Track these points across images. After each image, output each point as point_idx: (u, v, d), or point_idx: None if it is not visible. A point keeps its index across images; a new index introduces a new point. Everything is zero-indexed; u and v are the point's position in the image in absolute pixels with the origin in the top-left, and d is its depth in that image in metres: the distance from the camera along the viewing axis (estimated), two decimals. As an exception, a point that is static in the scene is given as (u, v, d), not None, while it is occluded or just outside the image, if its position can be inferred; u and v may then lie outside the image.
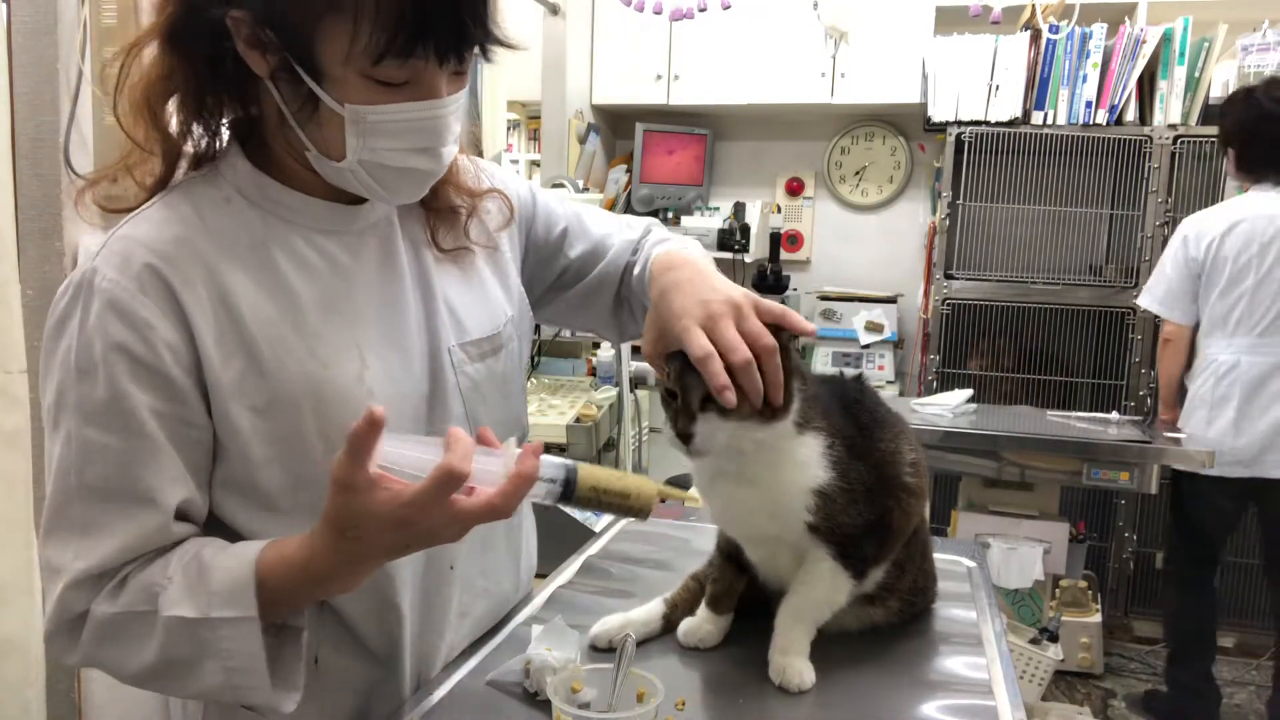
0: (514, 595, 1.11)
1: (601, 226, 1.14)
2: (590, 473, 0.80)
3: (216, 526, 0.87)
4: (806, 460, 0.89)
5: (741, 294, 0.88)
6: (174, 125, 0.87)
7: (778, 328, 0.86)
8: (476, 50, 0.82)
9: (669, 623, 1.02)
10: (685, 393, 0.85)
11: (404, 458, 0.74)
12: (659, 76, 3.94)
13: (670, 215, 4.06)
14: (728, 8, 3.03)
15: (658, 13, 3.03)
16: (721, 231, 3.82)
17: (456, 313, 0.97)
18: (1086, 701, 3.00)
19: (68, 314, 0.82)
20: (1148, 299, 2.87)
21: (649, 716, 0.76)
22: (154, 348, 0.80)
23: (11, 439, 1.53)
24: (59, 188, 1.70)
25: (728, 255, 3.78)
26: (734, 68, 3.83)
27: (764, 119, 4.16)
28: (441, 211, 0.99)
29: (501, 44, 0.83)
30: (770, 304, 0.88)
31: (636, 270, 1.08)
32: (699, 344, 0.82)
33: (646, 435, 3.52)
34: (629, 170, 4.12)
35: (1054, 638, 2.65)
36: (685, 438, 0.85)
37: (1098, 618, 3.13)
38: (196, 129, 0.88)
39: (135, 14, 1.70)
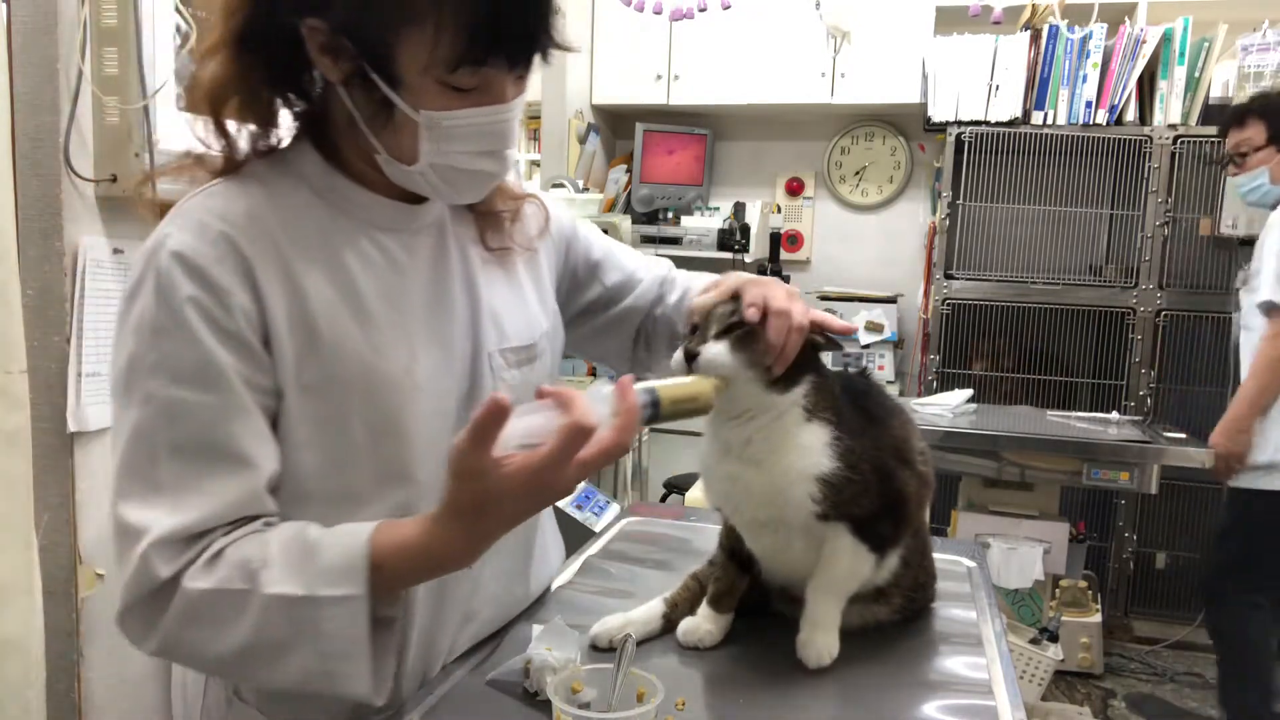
0: (524, 601, 1.11)
1: (632, 260, 1.20)
2: (665, 390, 0.83)
3: None
4: (811, 446, 0.91)
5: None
6: (235, 125, 0.89)
7: (815, 329, 0.92)
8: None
9: (669, 622, 1.03)
10: (706, 322, 0.91)
11: (515, 431, 0.73)
12: (659, 76, 3.94)
13: (670, 215, 4.06)
14: (728, 8, 3.03)
15: (658, 13, 3.03)
16: (721, 231, 3.82)
17: (499, 318, 0.99)
18: (1086, 701, 3.00)
19: (142, 279, 0.82)
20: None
21: (649, 716, 0.76)
22: (231, 312, 0.81)
23: (11, 439, 1.53)
24: (59, 188, 1.70)
25: (728, 255, 3.78)
26: (734, 68, 3.83)
27: (764, 119, 4.16)
28: (489, 214, 1.02)
29: (561, 47, 0.85)
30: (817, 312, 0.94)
31: (673, 298, 1.16)
32: (753, 293, 0.90)
33: (646, 435, 3.52)
34: (629, 170, 4.12)
35: (1054, 638, 2.65)
36: (690, 356, 0.89)
37: (1098, 618, 3.13)
38: (257, 129, 0.89)
39: (136, 14, 1.70)
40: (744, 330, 0.89)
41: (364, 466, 0.88)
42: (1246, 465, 2.51)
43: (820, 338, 0.93)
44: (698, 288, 1.08)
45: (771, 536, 0.96)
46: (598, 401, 0.76)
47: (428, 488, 0.90)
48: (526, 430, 0.73)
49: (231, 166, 0.90)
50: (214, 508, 0.79)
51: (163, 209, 0.88)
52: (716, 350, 0.88)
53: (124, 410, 0.81)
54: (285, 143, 0.93)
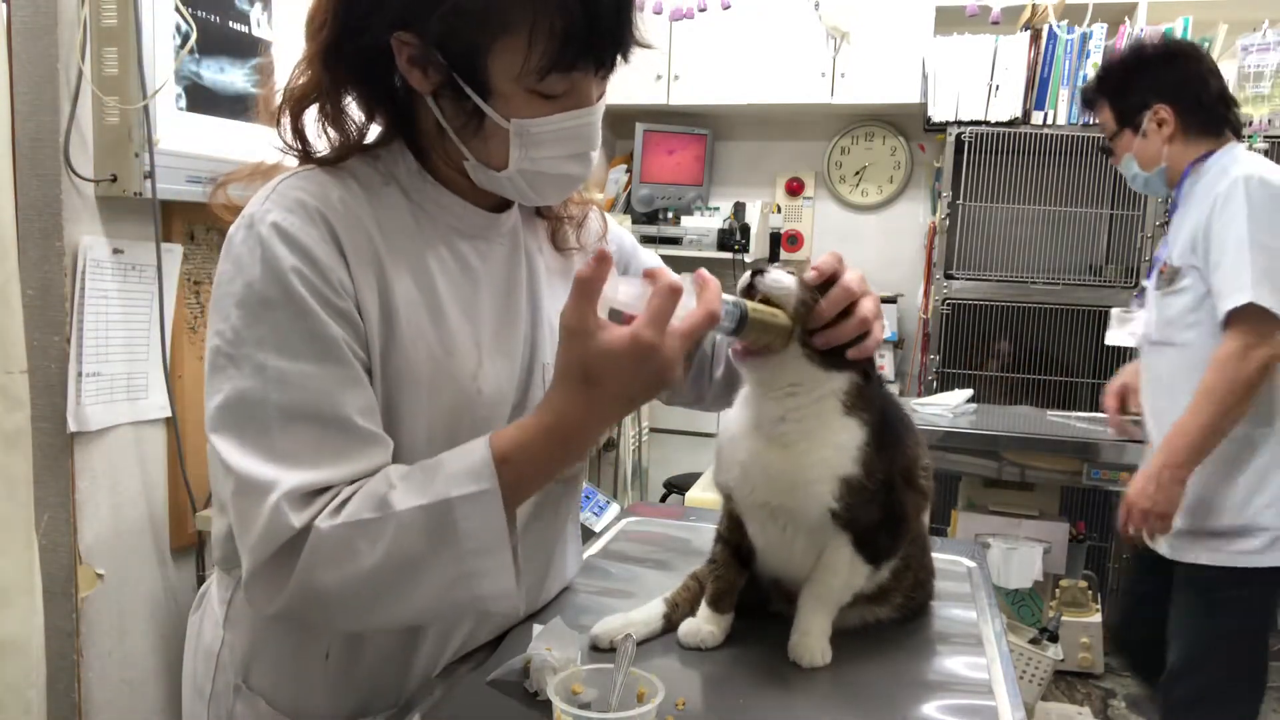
0: (535, 605, 1.10)
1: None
2: (751, 306, 0.84)
3: None
4: (843, 445, 0.91)
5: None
6: (315, 133, 0.90)
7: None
8: None
9: (670, 622, 1.03)
10: (755, 278, 0.89)
11: (620, 294, 0.76)
12: (659, 76, 3.94)
13: (670, 215, 4.06)
14: (728, 8, 3.04)
15: (658, 13, 3.03)
16: (721, 231, 3.83)
17: (557, 331, 0.98)
18: (1086, 701, 3.00)
19: (242, 252, 0.81)
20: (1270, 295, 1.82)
21: (649, 716, 0.76)
22: (335, 288, 0.81)
23: (12, 439, 1.53)
24: (59, 188, 1.70)
25: (728, 255, 3.78)
26: (734, 68, 3.83)
27: (764, 119, 4.16)
28: (560, 218, 1.04)
29: (642, 45, 0.87)
30: None
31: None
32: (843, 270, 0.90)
33: (646, 435, 3.52)
34: (629, 170, 4.12)
35: (1054, 638, 2.65)
36: (757, 272, 0.89)
37: (1098, 618, 3.13)
38: (334, 134, 0.90)
39: (136, 14, 1.70)
40: (814, 281, 0.89)
41: (411, 457, 0.87)
42: (1171, 528, 1.93)
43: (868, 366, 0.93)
44: None
45: (776, 526, 0.96)
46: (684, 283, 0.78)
47: None
48: (625, 294, 0.76)
49: (313, 163, 0.90)
50: (338, 473, 0.78)
51: (235, 212, 0.88)
52: (780, 274, 0.88)
53: (227, 381, 0.79)
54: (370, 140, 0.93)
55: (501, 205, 0.97)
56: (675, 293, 0.75)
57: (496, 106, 0.83)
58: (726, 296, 0.82)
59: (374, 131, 0.93)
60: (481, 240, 0.95)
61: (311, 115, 0.89)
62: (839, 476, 0.90)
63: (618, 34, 0.83)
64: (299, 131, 0.89)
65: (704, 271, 0.79)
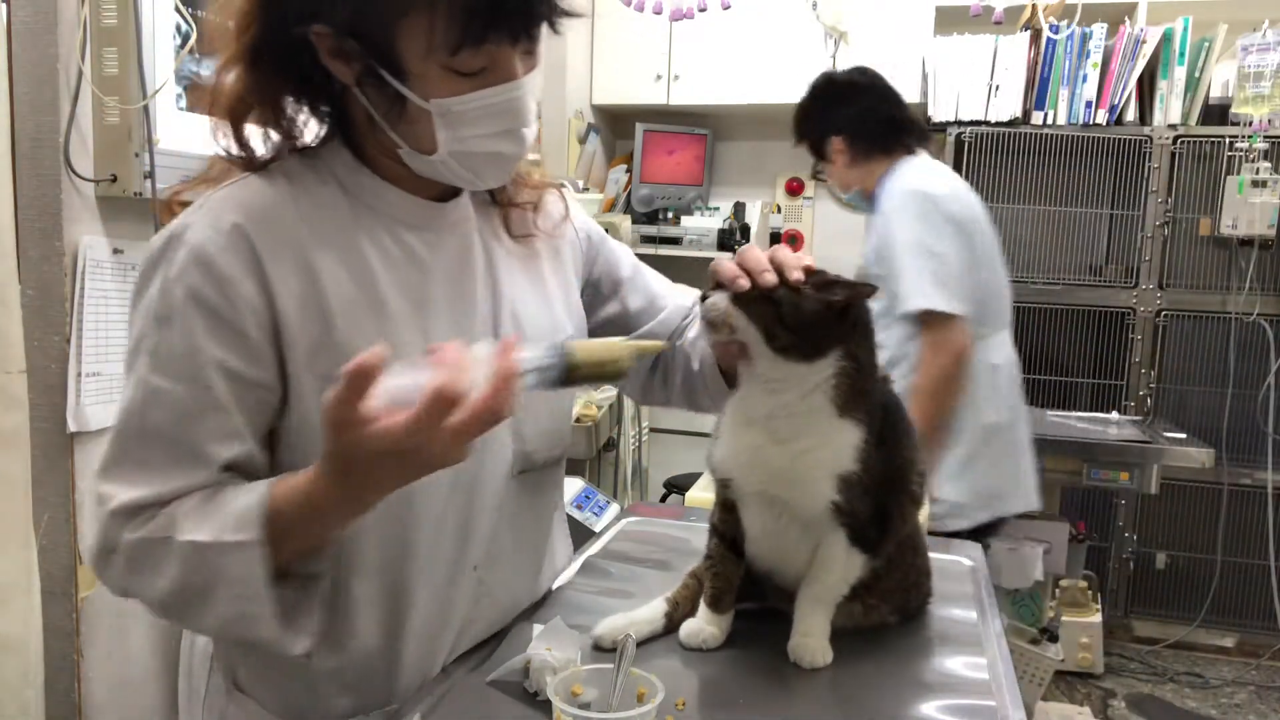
0: (529, 604, 1.10)
1: (658, 285, 1.19)
2: (579, 347, 0.82)
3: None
4: (841, 447, 0.91)
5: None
6: (255, 137, 0.91)
7: (835, 285, 0.89)
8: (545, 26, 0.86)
9: (671, 622, 1.02)
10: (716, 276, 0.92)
11: (400, 388, 0.72)
12: (659, 76, 3.93)
13: (670, 215, 4.06)
14: (728, 8, 3.03)
15: (658, 13, 3.03)
16: (721, 231, 3.82)
17: (520, 319, 1.00)
18: (1086, 701, 3.00)
19: (155, 263, 0.85)
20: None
21: (649, 716, 0.76)
22: (234, 303, 0.83)
23: (11, 439, 1.53)
24: (59, 188, 1.70)
25: (728, 255, 3.77)
26: (734, 68, 3.83)
27: (764, 119, 4.16)
28: (512, 206, 1.04)
29: (566, 13, 0.86)
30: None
31: (694, 331, 1.13)
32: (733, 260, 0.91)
33: (646, 435, 3.52)
34: (629, 170, 4.12)
35: (1054, 638, 2.65)
36: (702, 298, 0.91)
37: (1098, 618, 3.13)
38: (276, 137, 0.91)
39: (136, 14, 1.70)
40: (751, 289, 0.89)
41: None
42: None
43: (840, 292, 0.89)
44: None
45: (771, 513, 0.96)
46: (479, 363, 0.74)
47: (427, 481, 0.90)
48: (398, 389, 0.71)
49: (259, 167, 0.91)
50: (165, 490, 0.82)
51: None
52: (719, 297, 0.89)
53: (125, 386, 0.85)
54: (313, 140, 0.94)
55: (448, 195, 0.96)
56: (448, 400, 0.70)
57: (415, 88, 0.83)
58: (539, 355, 0.79)
59: (317, 131, 0.94)
60: (429, 231, 0.94)
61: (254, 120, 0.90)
62: (838, 474, 0.91)
63: (526, 5, 0.82)
64: (240, 135, 0.90)
65: (508, 342, 0.75)
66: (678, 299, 1.19)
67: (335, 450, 0.74)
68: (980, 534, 2.12)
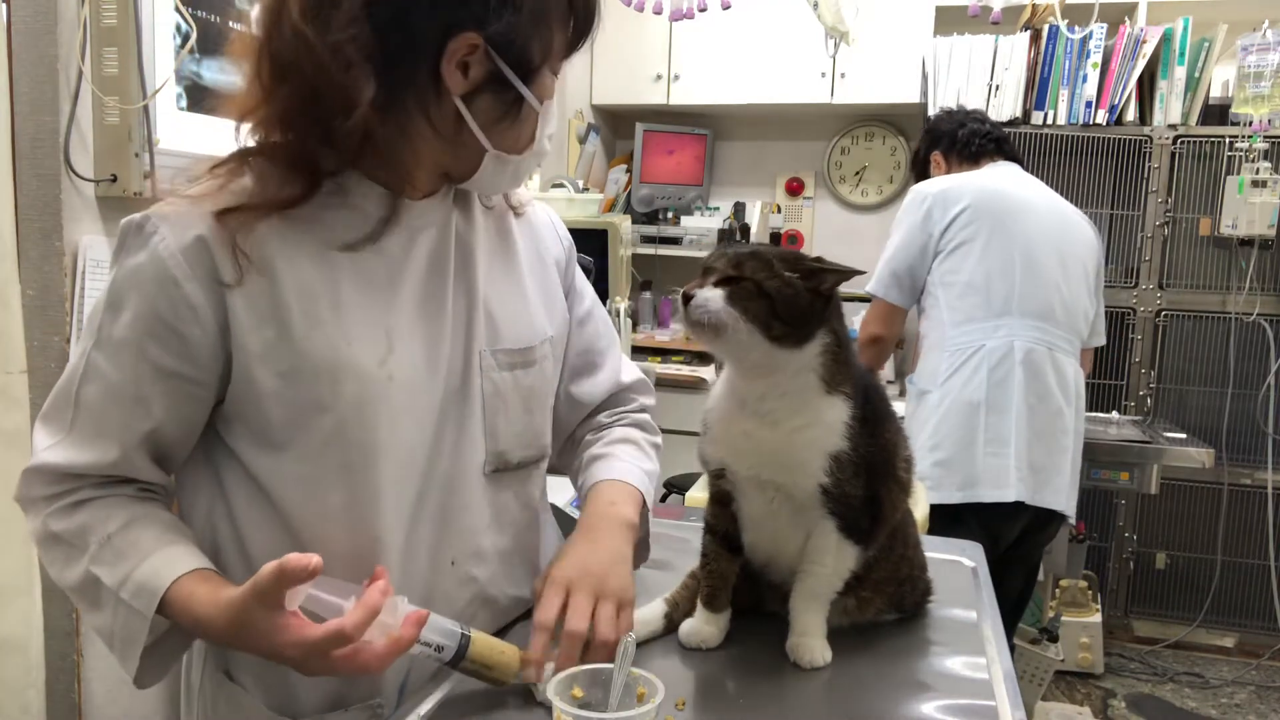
0: (524, 604, 1.09)
1: (603, 344, 1.18)
2: (480, 639, 0.88)
3: (226, 457, 0.93)
4: (832, 424, 0.92)
5: (619, 584, 0.95)
6: (240, 129, 0.92)
7: (823, 273, 0.90)
8: None
9: (670, 622, 1.03)
10: (707, 272, 0.92)
11: (319, 601, 0.80)
12: (659, 76, 3.93)
13: (670, 215, 4.06)
14: (728, 8, 3.03)
15: (658, 13, 3.03)
16: (721, 231, 3.82)
17: (495, 319, 1.00)
18: (1086, 701, 3.00)
19: (124, 246, 0.88)
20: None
21: (649, 716, 0.76)
22: (176, 306, 0.86)
23: (11, 439, 1.53)
24: (59, 188, 1.70)
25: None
26: (734, 68, 3.83)
27: (764, 119, 4.16)
28: (496, 211, 1.07)
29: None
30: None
31: (586, 454, 1.14)
32: (546, 607, 0.91)
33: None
34: (629, 170, 4.12)
35: (1054, 638, 2.65)
36: (686, 298, 0.90)
37: (1098, 618, 3.13)
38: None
39: (136, 14, 1.70)
40: (742, 284, 0.88)
41: (330, 456, 0.89)
42: None
43: (827, 273, 0.90)
44: (620, 453, 1.12)
45: (764, 498, 0.96)
46: (390, 617, 0.81)
47: (389, 480, 0.91)
48: (317, 600, 0.80)
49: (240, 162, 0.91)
50: (84, 462, 0.89)
51: None
52: (711, 299, 0.88)
53: (75, 347, 0.92)
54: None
55: (427, 196, 0.96)
56: (342, 640, 0.78)
57: (535, 91, 0.91)
58: (442, 634, 0.85)
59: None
60: (404, 229, 0.94)
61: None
62: (829, 453, 0.91)
63: (593, 17, 0.94)
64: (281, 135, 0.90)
65: (416, 617, 0.83)
66: (617, 375, 1.19)
67: (243, 609, 0.79)
68: (964, 518, 2.15)
